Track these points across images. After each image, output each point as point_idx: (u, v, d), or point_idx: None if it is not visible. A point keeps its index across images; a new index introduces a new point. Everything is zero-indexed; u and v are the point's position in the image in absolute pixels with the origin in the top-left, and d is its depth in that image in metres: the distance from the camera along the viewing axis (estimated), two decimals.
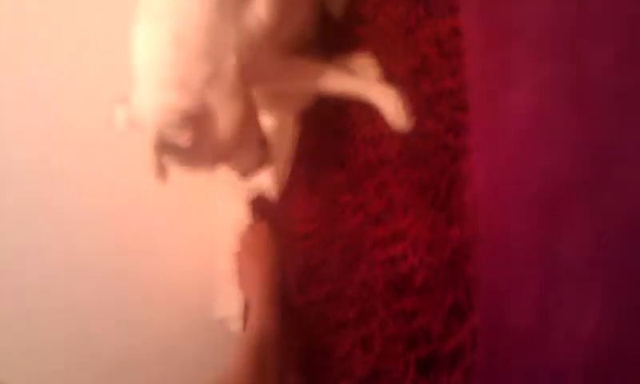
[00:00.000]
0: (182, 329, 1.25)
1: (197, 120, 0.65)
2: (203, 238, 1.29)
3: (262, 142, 0.78)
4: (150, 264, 1.22)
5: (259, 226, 1.11)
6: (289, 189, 1.03)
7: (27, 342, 1.07)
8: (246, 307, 1.07)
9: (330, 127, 0.89)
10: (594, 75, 0.47)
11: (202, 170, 0.73)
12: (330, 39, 0.88)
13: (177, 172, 1.20)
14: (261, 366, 0.86)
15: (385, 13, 0.78)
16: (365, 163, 0.81)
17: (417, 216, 0.69)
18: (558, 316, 0.50)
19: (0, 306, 1.05)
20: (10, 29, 1.02)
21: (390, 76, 0.77)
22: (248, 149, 0.76)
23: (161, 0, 0.65)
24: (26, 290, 1.08)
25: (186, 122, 0.63)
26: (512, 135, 0.55)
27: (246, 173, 0.79)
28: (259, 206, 1.16)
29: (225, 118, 0.68)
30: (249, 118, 0.72)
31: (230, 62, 0.67)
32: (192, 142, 0.64)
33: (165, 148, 0.65)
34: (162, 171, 0.68)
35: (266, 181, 1.05)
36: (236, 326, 1.21)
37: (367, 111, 0.79)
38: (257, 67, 0.73)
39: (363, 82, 0.79)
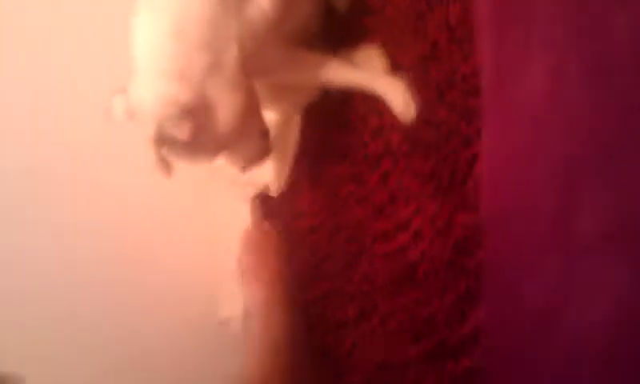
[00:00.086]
0: (185, 331, 1.24)
1: (197, 112, 0.64)
2: (207, 238, 1.28)
3: (264, 133, 0.77)
4: (152, 266, 1.23)
5: (265, 225, 1.08)
6: (292, 183, 1.02)
7: (31, 346, 1.07)
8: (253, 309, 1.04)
9: (334, 120, 0.89)
10: (608, 53, 0.46)
11: (203, 161, 0.72)
12: (336, 32, 0.87)
13: (180, 172, 1.21)
14: (286, 365, 0.84)
15: (393, 3, 0.77)
16: (369, 154, 0.80)
17: (420, 205, 0.68)
18: (573, 295, 0.50)
19: (9, 312, 1.05)
20: (7, 25, 1.02)
21: (397, 66, 0.77)
22: (249, 140, 0.75)
23: None
24: (31, 297, 1.08)
25: (185, 115, 0.63)
26: (525, 116, 0.54)
27: (247, 164, 0.78)
28: (263, 202, 1.15)
29: (225, 109, 0.67)
30: (250, 109, 0.71)
31: (231, 53, 0.67)
32: (192, 135, 0.63)
33: (164, 140, 0.64)
34: (165, 165, 0.68)
35: (268, 176, 1.04)
36: (239, 326, 1.19)
37: (372, 103, 0.78)
38: (260, 59, 0.72)
39: (369, 73, 0.78)
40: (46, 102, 1.08)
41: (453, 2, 0.63)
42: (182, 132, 0.63)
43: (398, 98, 0.73)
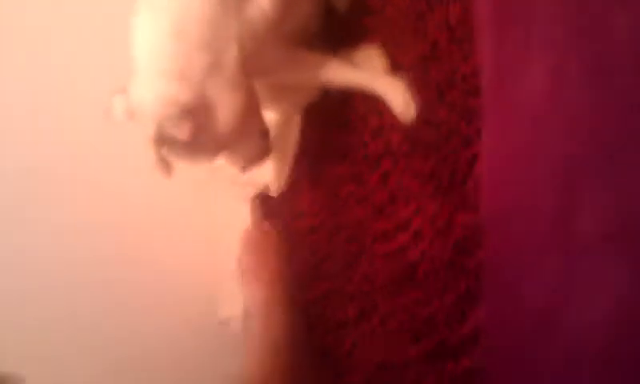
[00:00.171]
0: (185, 331, 1.24)
1: (197, 112, 0.64)
2: (206, 238, 1.27)
3: (264, 133, 0.77)
4: (152, 265, 1.22)
5: (265, 225, 1.07)
6: (292, 183, 1.02)
7: (31, 346, 1.07)
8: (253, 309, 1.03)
9: (334, 120, 0.89)
10: (608, 53, 0.46)
11: (203, 161, 0.72)
12: (336, 32, 0.87)
13: (180, 172, 1.21)
14: (286, 365, 0.84)
15: (393, 3, 0.77)
16: (369, 154, 0.80)
17: (420, 205, 0.68)
18: (573, 295, 0.50)
19: (9, 312, 1.05)
20: (7, 25, 1.01)
21: (397, 66, 0.77)
22: (249, 140, 0.75)
23: None
24: (31, 297, 1.08)
25: (185, 115, 0.63)
26: (525, 116, 0.54)
27: (247, 164, 0.78)
28: (262, 202, 1.15)
29: (225, 109, 0.67)
30: (250, 109, 0.71)
31: (231, 53, 0.67)
32: (192, 135, 0.63)
33: (164, 140, 0.64)
34: (164, 165, 0.68)
35: (268, 176, 1.04)
36: (239, 326, 1.19)
37: (372, 103, 0.78)
38: (260, 59, 0.72)
39: (369, 73, 0.78)
40: (45, 101, 1.08)
41: (453, 2, 0.63)
42: (182, 132, 0.63)
43: (398, 98, 0.73)
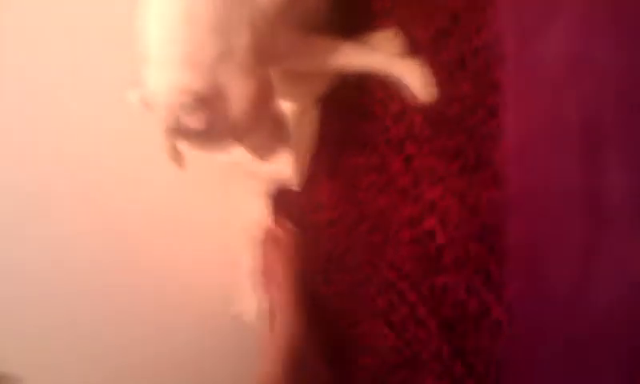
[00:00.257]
0: (200, 327, 1.22)
1: (210, 99, 0.63)
2: (224, 235, 1.25)
3: (280, 121, 0.75)
4: (168, 262, 1.21)
5: (286, 224, 1.09)
6: (311, 177, 1.00)
7: (44, 347, 1.06)
8: (272, 309, 1.02)
9: (352, 109, 0.87)
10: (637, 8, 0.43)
11: (218, 150, 0.70)
12: (351, 15, 0.85)
13: (195, 167, 1.20)
14: (298, 368, 0.86)
15: None
16: (390, 140, 0.78)
17: (446, 186, 0.66)
18: (602, 266, 0.48)
19: (21, 315, 1.04)
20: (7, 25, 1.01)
21: (415, 45, 0.74)
22: (265, 128, 0.73)
23: None
24: (37, 299, 1.06)
25: (198, 103, 0.62)
26: (550, 82, 0.51)
27: (263, 153, 0.76)
28: (281, 199, 1.13)
29: (239, 95, 0.65)
30: (264, 96, 0.69)
31: (244, 39, 0.65)
32: (206, 123, 0.61)
33: (178, 130, 0.63)
34: (177, 156, 0.66)
35: (286, 170, 1.02)
36: (251, 319, 1.17)
37: (390, 87, 0.76)
38: (273, 45, 0.71)
39: (385, 56, 0.76)
40: (53, 99, 1.06)
41: None
42: (196, 121, 0.61)
43: (416, 80, 0.71)
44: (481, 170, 0.59)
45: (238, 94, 0.65)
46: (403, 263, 0.75)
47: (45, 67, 1.04)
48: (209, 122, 0.63)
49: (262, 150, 0.76)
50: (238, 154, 1.05)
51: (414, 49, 0.74)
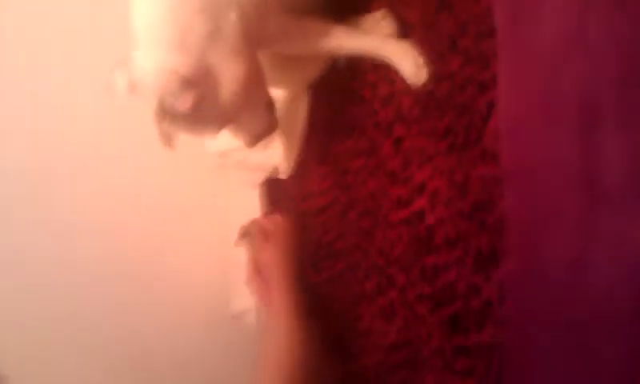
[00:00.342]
0: (197, 325, 1.21)
1: (198, 82, 0.62)
2: (216, 230, 1.24)
3: (269, 105, 0.74)
4: (163, 259, 1.20)
5: (277, 217, 0.99)
6: (301, 164, 0.99)
7: (43, 343, 1.05)
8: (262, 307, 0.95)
9: (341, 94, 0.87)
10: None
11: (207, 133, 0.70)
12: None
13: (186, 161, 1.19)
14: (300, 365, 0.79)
15: None
16: (379, 123, 0.78)
17: (436, 165, 0.66)
18: (600, 242, 0.47)
19: (19, 309, 1.04)
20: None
21: (406, 26, 0.74)
22: (255, 112, 0.73)
23: None
24: (43, 292, 1.06)
25: (187, 85, 0.61)
26: (543, 56, 0.51)
27: (253, 138, 0.76)
28: (271, 187, 1.13)
29: (228, 78, 0.65)
30: (254, 79, 0.69)
31: (232, 19, 0.65)
32: (194, 106, 0.61)
33: (167, 113, 0.62)
34: (167, 138, 0.66)
35: (276, 158, 1.02)
36: (251, 319, 1.16)
37: (381, 70, 0.76)
38: (262, 27, 0.70)
39: (377, 39, 0.76)
40: (47, 94, 1.06)
41: None
42: (184, 103, 0.61)
43: (408, 62, 0.71)
44: (470, 147, 0.59)
45: (228, 75, 0.65)
46: (393, 246, 0.75)
47: (44, 59, 1.04)
48: (197, 104, 0.62)
49: (251, 136, 0.76)
50: (227, 144, 1.05)
51: (404, 30, 0.74)
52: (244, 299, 1.16)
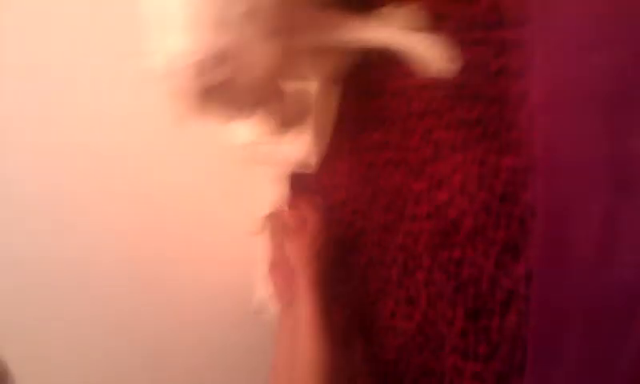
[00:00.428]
0: (219, 323, 1.22)
1: (232, 55, 0.62)
2: (241, 225, 1.24)
3: (301, 90, 0.75)
4: (185, 256, 1.20)
5: (302, 208, 0.92)
6: (327, 157, 1.00)
7: (60, 345, 1.07)
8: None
9: (371, 87, 0.87)
10: None
11: (239, 115, 0.70)
12: None
13: (211, 156, 1.20)
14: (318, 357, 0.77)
15: None
16: (408, 114, 0.78)
17: (464, 155, 0.66)
18: (626, 230, 0.46)
19: (41, 301, 1.05)
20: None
21: (439, 18, 0.74)
22: (285, 98, 0.73)
23: None
24: (60, 293, 1.07)
25: (221, 57, 0.61)
26: (576, 45, 0.50)
27: (284, 125, 0.76)
28: (296, 181, 1.13)
29: (260, 57, 0.65)
30: (285, 62, 0.69)
31: (267, 1, 0.65)
32: (227, 78, 0.62)
33: (199, 91, 0.63)
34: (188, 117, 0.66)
35: (302, 152, 1.02)
36: (272, 314, 1.16)
37: (410, 63, 0.76)
38: (293, 18, 0.71)
39: (405, 32, 0.76)
40: (61, 91, 1.05)
41: None
42: (219, 74, 0.62)
43: (435, 55, 0.71)
44: (500, 138, 0.59)
45: (260, 55, 0.66)
46: (417, 240, 0.75)
47: (48, 59, 1.04)
48: (230, 77, 0.63)
49: (283, 123, 0.76)
50: (253, 135, 1.06)
51: (437, 21, 0.74)
52: (266, 290, 1.16)
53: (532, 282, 0.57)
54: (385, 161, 0.83)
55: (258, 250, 1.17)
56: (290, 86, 0.74)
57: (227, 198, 1.25)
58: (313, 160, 1.02)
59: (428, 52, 0.73)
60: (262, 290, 1.17)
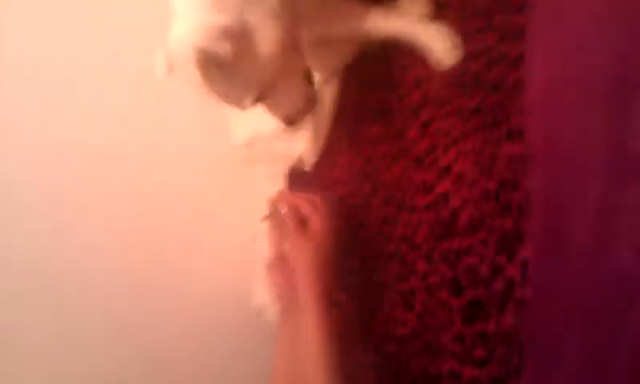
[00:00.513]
0: (220, 321, 1.22)
1: (236, 34, 0.62)
2: (241, 225, 1.23)
3: (307, 77, 0.74)
4: (187, 255, 1.20)
5: (303, 203, 0.83)
6: (326, 152, 1.00)
7: (65, 338, 1.07)
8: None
9: (371, 79, 0.87)
10: None
11: (245, 98, 0.69)
12: None
13: (211, 157, 1.20)
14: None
15: None
16: (407, 106, 0.77)
17: (463, 146, 0.65)
18: (624, 222, 0.46)
19: (41, 303, 1.05)
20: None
21: (441, 6, 0.74)
22: (292, 84, 0.73)
23: None
24: (63, 290, 1.07)
25: (225, 36, 0.61)
26: (576, 32, 0.50)
27: (291, 114, 0.75)
28: (295, 178, 1.13)
29: (264, 38, 0.65)
30: (290, 45, 0.69)
31: None
32: (233, 54, 0.61)
33: (208, 62, 0.62)
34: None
35: (301, 148, 1.02)
36: (272, 315, 1.16)
37: (411, 53, 0.76)
38: (298, 9, 0.71)
39: (410, 21, 0.76)
40: (64, 93, 1.07)
41: None
42: (224, 50, 0.61)
43: (441, 43, 0.71)
44: (499, 126, 0.59)
45: (265, 35, 0.65)
46: (416, 231, 0.74)
47: (48, 59, 1.04)
48: (236, 56, 0.62)
49: (289, 111, 0.75)
50: (253, 133, 1.07)
51: (438, 9, 0.74)
52: (266, 293, 1.16)
53: (529, 276, 0.56)
54: (384, 153, 0.82)
55: (258, 254, 1.18)
56: (295, 68, 0.73)
57: (227, 200, 1.25)
58: (311, 156, 1.02)
59: (434, 41, 0.73)
60: (262, 294, 1.17)
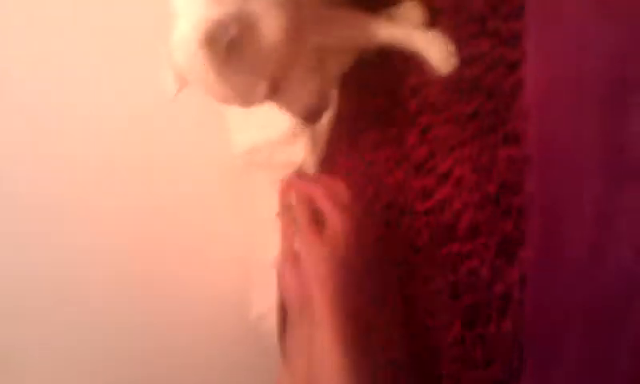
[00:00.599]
0: (218, 332, 1.21)
1: (240, 21, 0.61)
2: (240, 234, 1.24)
3: (317, 71, 0.74)
4: (186, 264, 1.19)
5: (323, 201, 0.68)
6: (327, 158, 1.00)
7: (59, 359, 1.06)
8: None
9: (370, 86, 0.88)
10: None
11: (257, 94, 0.67)
12: None
13: (211, 164, 1.20)
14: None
15: None
16: (406, 112, 0.78)
17: (462, 151, 0.66)
18: (623, 223, 0.47)
19: (41, 304, 1.05)
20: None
21: (436, 12, 0.75)
22: (304, 78, 0.71)
23: None
24: (63, 292, 1.07)
25: (230, 20, 0.60)
26: (572, 35, 0.51)
27: (305, 109, 0.72)
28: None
29: (268, 26, 0.64)
30: (295, 34, 0.67)
31: None
32: (239, 42, 0.60)
33: (214, 48, 0.60)
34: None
35: (301, 154, 1.03)
36: (270, 324, 1.16)
37: (409, 61, 0.77)
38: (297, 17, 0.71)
39: (407, 28, 0.77)
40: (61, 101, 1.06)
41: None
42: (230, 32, 0.60)
43: (437, 50, 0.72)
44: (497, 130, 0.60)
45: (268, 24, 0.64)
46: (417, 236, 0.75)
47: (49, 59, 1.04)
48: (242, 42, 0.61)
49: (303, 108, 0.72)
50: (254, 141, 1.07)
51: (433, 15, 0.75)
52: (266, 301, 1.16)
53: (529, 278, 0.57)
54: (386, 157, 0.83)
55: (258, 263, 1.18)
56: (303, 60, 0.73)
57: (227, 208, 1.24)
58: (312, 161, 1.03)
59: (430, 48, 0.73)
60: (261, 303, 1.17)
